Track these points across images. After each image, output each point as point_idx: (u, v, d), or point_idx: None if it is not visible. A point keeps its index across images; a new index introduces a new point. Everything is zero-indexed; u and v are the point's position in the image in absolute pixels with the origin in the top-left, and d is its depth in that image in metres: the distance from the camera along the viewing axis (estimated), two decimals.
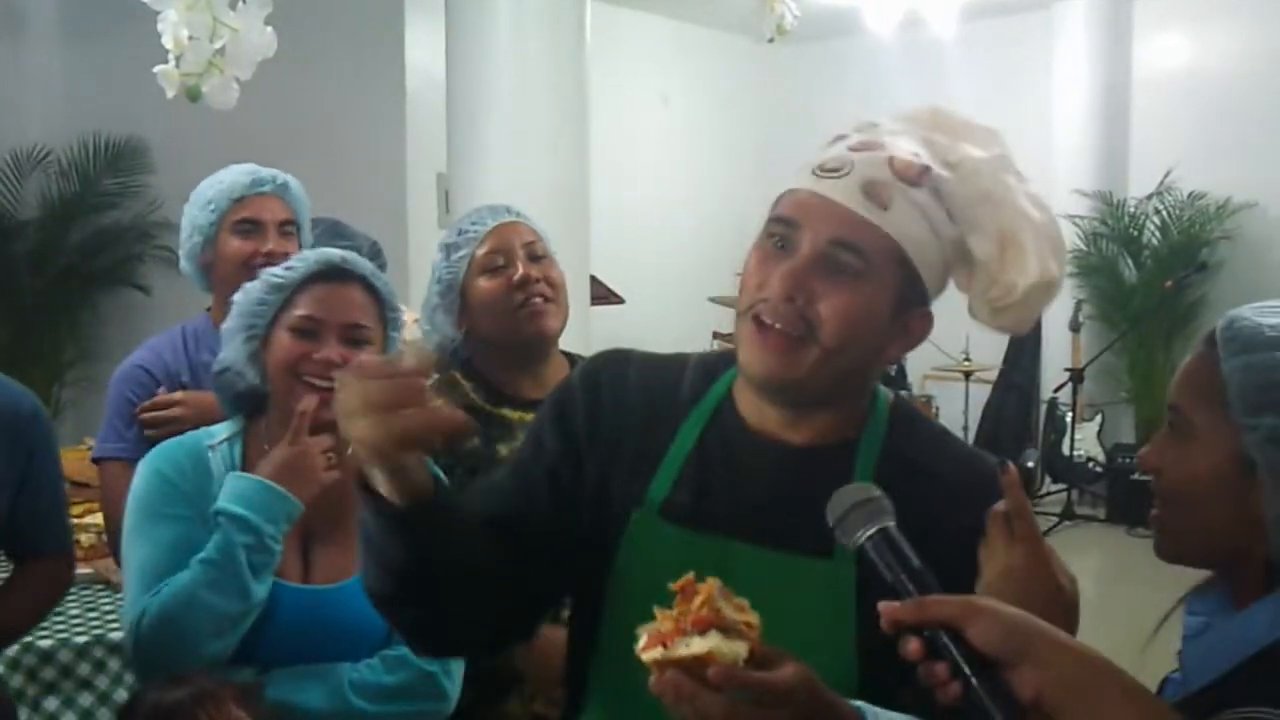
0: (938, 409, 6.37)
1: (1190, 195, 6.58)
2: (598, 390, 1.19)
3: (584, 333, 3.55)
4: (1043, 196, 1.12)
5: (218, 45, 1.92)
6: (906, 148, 1.08)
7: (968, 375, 6.39)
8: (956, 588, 0.91)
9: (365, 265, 1.59)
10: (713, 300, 6.11)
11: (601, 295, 4.58)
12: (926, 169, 1.07)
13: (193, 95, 1.98)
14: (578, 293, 3.15)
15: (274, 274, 1.58)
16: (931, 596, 0.85)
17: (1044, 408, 6.75)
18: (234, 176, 2.11)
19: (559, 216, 3.70)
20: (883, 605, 0.85)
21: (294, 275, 1.56)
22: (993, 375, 6.70)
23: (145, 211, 5.31)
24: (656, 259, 6.92)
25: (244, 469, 1.55)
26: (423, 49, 4.93)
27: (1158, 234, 6.69)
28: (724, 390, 1.18)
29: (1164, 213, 6.64)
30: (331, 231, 2.95)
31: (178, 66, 1.92)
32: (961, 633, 0.82)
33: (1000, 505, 1.05)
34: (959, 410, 6.45)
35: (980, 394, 6.64)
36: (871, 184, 1.05)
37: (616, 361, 1.22)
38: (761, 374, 1.09)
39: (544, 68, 3.78)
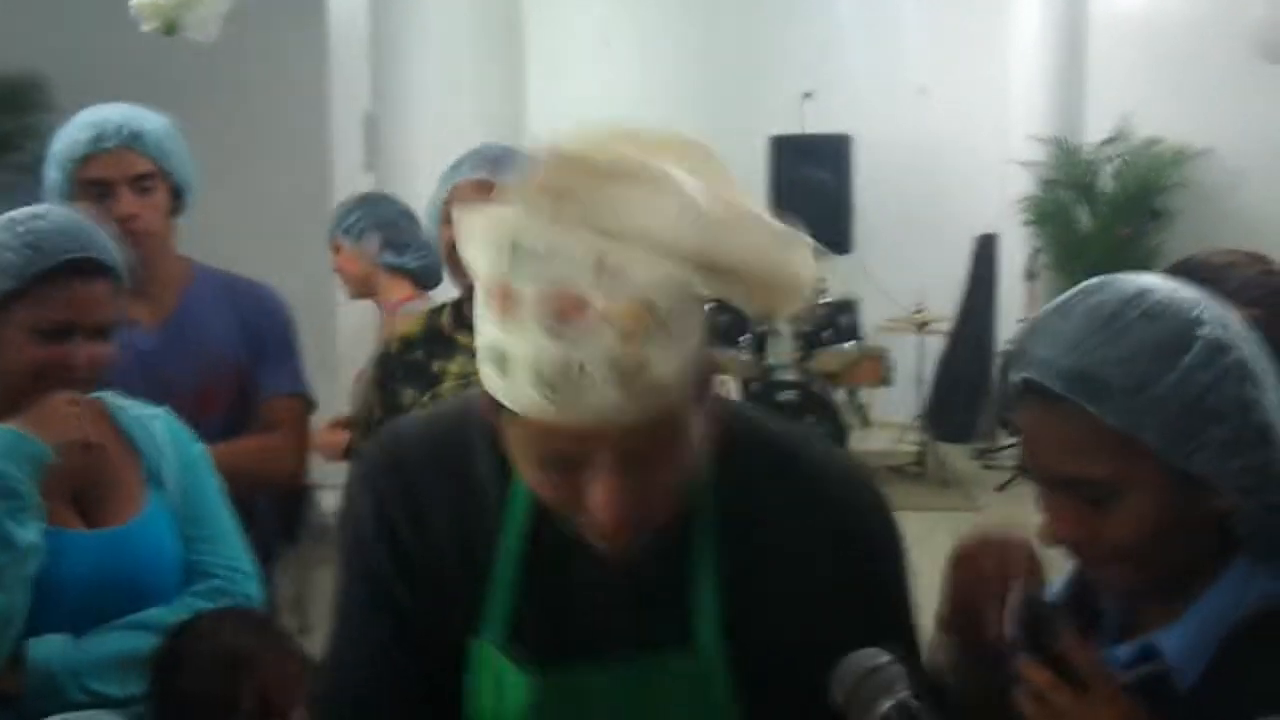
0: (893, 361, 6.25)
1: (1146, 141, 6.48)
2: (389, 520, 1.02)
3: None
4: (734, 196, 0.88)
5: None
6: (587, 267, 0.82)
7: (921, 327, 6.28)
8: (829, 640, 0.91)
9: (107, 245, 1.49)
10: None
11: None
12: (648, 308, 0.82)
13: (169, 29, 1.89)
14: None
15: None
16: None
17: (999, 359, 6.66)
18: (75, 132, 1.91)
19: None
20: None
21: (24, 267, 1.43)
22: (947, 327, 6.62)
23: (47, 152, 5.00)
24: None
25: None
26: None
27: (1114, 180, 6.59)
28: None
29: (1121, 159, 6.54)
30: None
31: None
32: None
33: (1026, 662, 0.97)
34: (913, 362, 6.35)
35: (935, 345, 6.55)
36: (619, 366, 0.81)
37: (390, 467, 1.04)
38: (612, 552, 0.94)
39: None
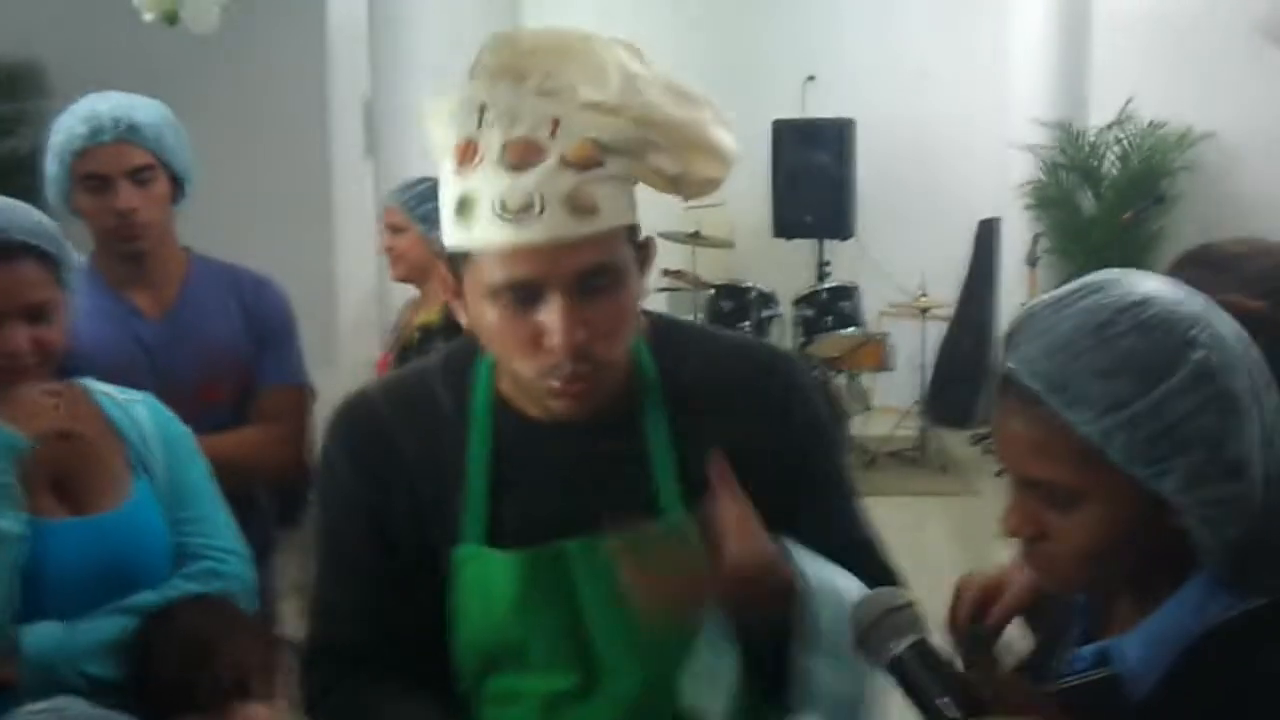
0: (894, 346, 6.23)
1: (1150, 124, 6.43)
2: (363, 459, 1.13)
3: None
4: (677, 83, 1.05)
5: None
6: (543, 123, 0.97)
7: (924, 312, 6.27)
8: (778, 501, 1.02)
9: (27, 223, 1.40)
10: (663, 236, 5.90)
11: None
12: (596, 147, 0.99)
13: (170, 19, 1.88)
14: None
15: None
16: None
17: (1000, 344, 6.63)
18: (72, 124, 1.90)
19: None
20: None
21: None
22: (948, 312, 6.59)
23: (46, 139, 4.96)
24: None
25: None
26: None
27: (1117, 164, 6.54)
28: (487, 387, 1.12)
29: (1124, 142, 6.49)
30: None
31: None
32: None
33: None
34: (915, 347, 6.32)
35: (936, 331, 6.53)
36: (572, 200, 0.97)
37: (358, 418, 1.15)
38: (570, 417, 1.06)
39: None
